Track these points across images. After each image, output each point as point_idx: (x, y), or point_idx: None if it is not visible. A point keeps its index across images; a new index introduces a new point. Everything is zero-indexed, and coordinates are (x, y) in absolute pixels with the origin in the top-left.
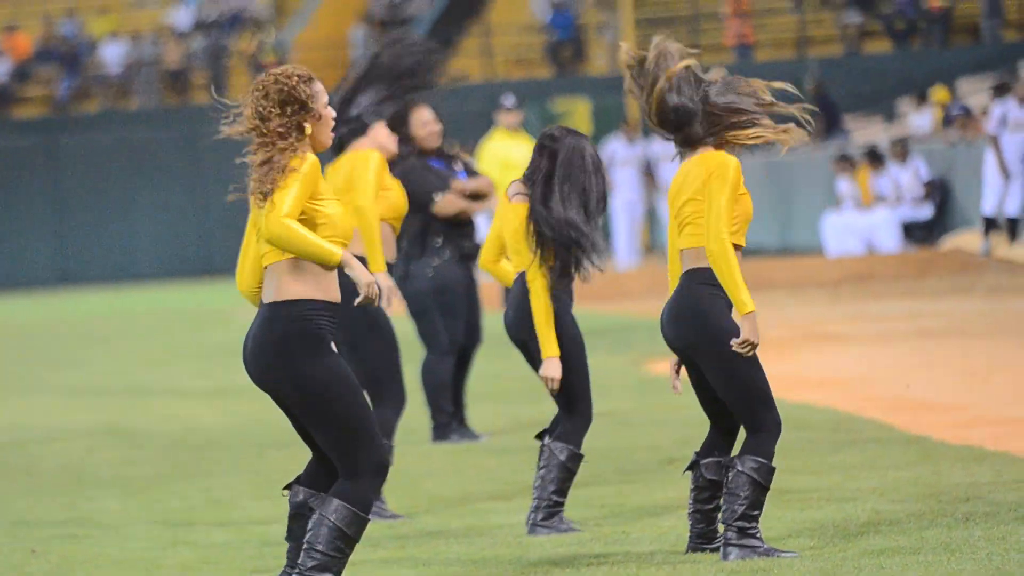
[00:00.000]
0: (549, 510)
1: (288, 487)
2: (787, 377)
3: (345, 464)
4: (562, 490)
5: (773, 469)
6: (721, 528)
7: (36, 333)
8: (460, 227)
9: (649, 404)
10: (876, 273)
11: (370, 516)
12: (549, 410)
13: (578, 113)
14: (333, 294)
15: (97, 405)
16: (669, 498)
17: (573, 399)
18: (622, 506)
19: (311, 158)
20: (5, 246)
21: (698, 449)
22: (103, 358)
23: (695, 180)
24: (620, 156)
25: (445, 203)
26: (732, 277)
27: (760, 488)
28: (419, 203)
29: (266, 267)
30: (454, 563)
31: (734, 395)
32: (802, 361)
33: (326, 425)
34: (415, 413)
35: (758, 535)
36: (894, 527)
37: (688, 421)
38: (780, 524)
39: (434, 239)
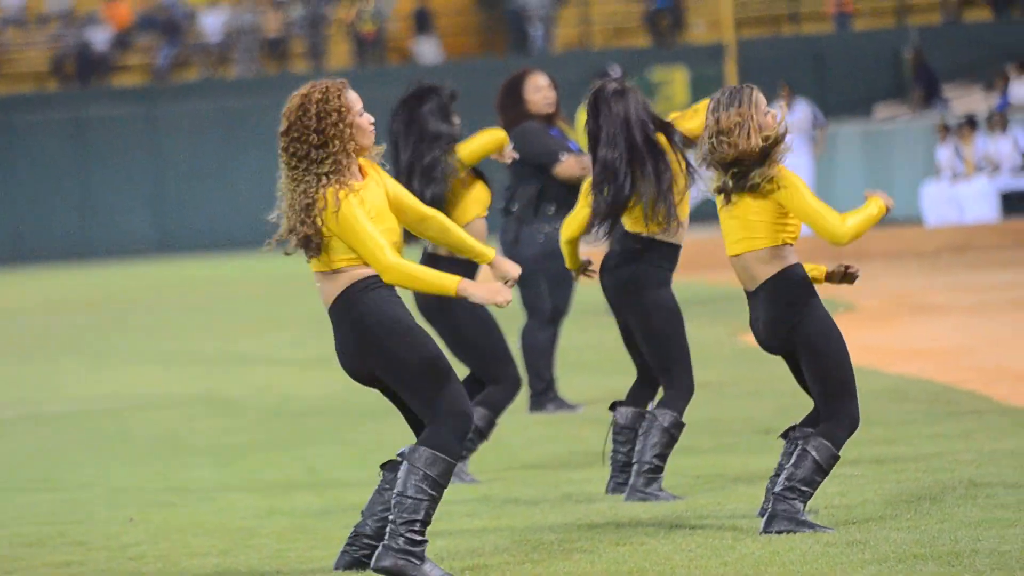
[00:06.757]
0: (649, 476)
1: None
2: (884, 348)
3: (428, 413)
4: (663, 455)
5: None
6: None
7: (134, 301)
8: (574, 196)
9: (745, 374)
10: (974, 243)
11: (455, 461)
12: None
13: (676, 82)
14: None
15: (194, 374)
16: (766, 468)
17: (672, 368)
18: (719, 476)
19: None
20: (105, 214)
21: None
22: (200, 326)
23: None
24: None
25: (568, 165)
26: None
27: (821, 471)
28: (536, 165)
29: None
30: (548, 531)
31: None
32: (899, 332)
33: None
34: None
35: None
36: (991, 499)
37: (783, 392)
38: (877, 495)
39: (547, 205)
